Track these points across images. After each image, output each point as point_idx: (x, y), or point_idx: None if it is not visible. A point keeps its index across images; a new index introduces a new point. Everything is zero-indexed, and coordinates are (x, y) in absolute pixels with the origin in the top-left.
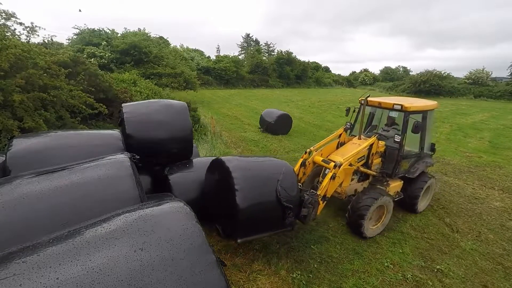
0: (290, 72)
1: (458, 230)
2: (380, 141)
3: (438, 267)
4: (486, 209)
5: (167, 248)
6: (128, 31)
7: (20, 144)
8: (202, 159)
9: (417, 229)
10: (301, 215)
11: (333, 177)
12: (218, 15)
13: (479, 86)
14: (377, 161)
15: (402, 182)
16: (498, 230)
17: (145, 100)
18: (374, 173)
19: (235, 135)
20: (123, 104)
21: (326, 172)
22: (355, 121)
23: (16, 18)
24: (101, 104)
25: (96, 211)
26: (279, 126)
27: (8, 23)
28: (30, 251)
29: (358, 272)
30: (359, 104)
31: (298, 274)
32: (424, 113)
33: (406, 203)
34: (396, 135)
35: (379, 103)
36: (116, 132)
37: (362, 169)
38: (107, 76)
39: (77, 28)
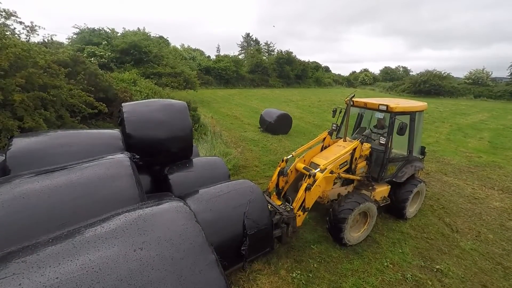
0: (290, 72)
1: (458, 230)
2: (365, 144)
3: (437, 267)
4: (486, 209)
5: (167, 248)
6: (127, 30)
7: (20, 144)
8: (202, 159)
9: (416, 229)
10: (274, 237)
11: (308, 188)
12: (215, 15)
13: (479, 86)
14: (362, 164)
15: (389, 186)
16: (498, 230)
17: (145, 99)
18: (358, 177)
19: (235, 134)
20: (123, 104)
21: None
22: (342, 122)
23: (16, 17)
24: (101, 103)
25: (95, 211)
26: (279, 125)
27: (8, 22)
28: (30, 250)
29: (358, 272)
30: (346, 104)
31: (298, 274)
32: (412, 114)
33: (394, 209)
34: (381, 137)
35: (365, 103)
36: (116, 132)
37: (343, 175)
38: (107, 75)
39: (77, 28)
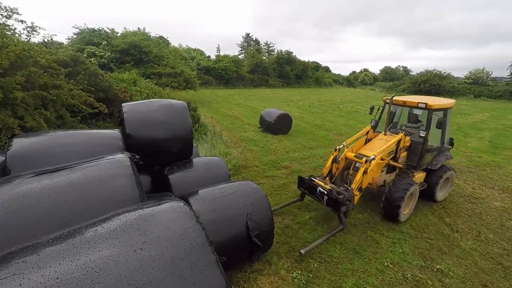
0: (290, 72)
1: (458, 230)
2: (406, 137)
3: (438, 266)
4: (486, 209)
5: (167, 248)
6: (127, 30)
7: (20, 144)
8: (202, 159)
9: (417, 228)
10: (341, 213)
11: (365, 172)
12: (215, 15)
13: (479, 86)
14: (403, 154)
15: (425, 173)
16: (498, 230)
17: (145, 99)
18: (401, 165)
19: (235, 134)
20: (123, 104)
21: (357, 165)
22: (379, 118)
23: (18, 13)
24: (101, 104)
25: (96, 211)
26: (279, 125)
27: (9, 22)
28: (30, 250)
29: (358, 272)
30: (383, 103)
31: (298, 274)
32: (445, 110)
33: (426, 192)
34: (421, 131)
35: (404, 102)
36: (116, 132)
37: (391, 162)
38: (107, 75)
39: (77, 28)
